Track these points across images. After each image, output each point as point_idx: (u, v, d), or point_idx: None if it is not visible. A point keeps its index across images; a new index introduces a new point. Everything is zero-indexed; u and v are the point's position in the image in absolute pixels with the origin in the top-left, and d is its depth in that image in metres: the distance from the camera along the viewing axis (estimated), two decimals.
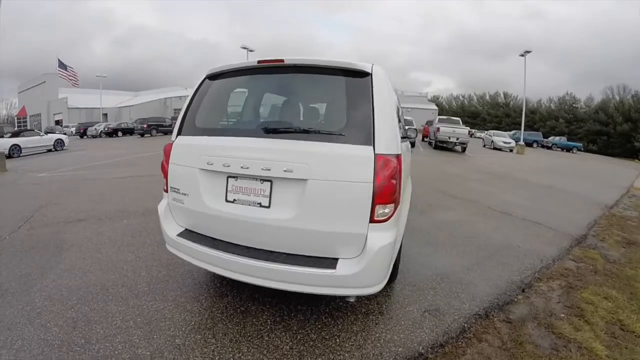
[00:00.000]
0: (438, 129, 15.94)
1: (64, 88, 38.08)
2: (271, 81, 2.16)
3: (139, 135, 24.04)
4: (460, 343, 1.96)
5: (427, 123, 22.40)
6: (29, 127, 27.75)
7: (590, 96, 46.38)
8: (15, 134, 14.67)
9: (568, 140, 31.42)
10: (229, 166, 1.86)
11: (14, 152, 13.30)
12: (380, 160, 1.66)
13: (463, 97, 66.22)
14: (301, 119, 2.16)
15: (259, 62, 1.98)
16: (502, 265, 3.05)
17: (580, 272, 3.03)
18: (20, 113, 42.74)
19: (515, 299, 2.49)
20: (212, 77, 2.22)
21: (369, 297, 2.32)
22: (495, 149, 20.84)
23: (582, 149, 30.88)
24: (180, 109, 2.37)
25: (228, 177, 1.89)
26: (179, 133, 2.20)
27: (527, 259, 3.23)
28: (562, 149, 28.54)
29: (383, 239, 1.68)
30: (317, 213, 1.70)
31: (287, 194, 1.76)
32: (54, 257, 2.98)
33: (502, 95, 58.28)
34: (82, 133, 26.98)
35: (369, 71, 1.82)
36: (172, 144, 2.17)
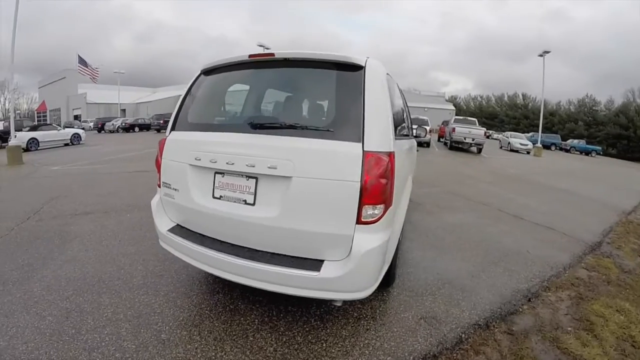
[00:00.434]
0: (454, 129, 15.60)
1: (83, 84, 39.16)
2: (262, 76, 2.10)
3: (155, 131, 24.53)
4: (455, 355, 1.84)
5: (443, 123, 22.02)
6: (48, 122, 28.63)
7: (611, 99, 44.79)
8: (33, 128, 15.19)
9: (587, 143, 30.43)
10: (215, 162, 1.82)
11: (32, 145, 13.76)
12: (370, 158, 1.57)
13: (481, 97, 64.98)
14: (290, 114, 2.09)
15: (250, 56, 1.92)
16: (509, 272, 2.90)
17: (592, 282, 2.84)
18: (40, 108, 44.26)
19: (520, 309, 2.34)
20: (207, 72, 2.18)
21: (362, 301, 2.23)
22: (512, 150, 20.28)
23: (601, 153, 29.80)
24: None
25: (215, 173, 1.86)
26: (172, 128, 2.19)
27: (537, 266, 3.06)
28: (581, 152, 27.67)
29: (371, 241, 1.59)
30: (302, 212, 1.63)
31: (272, 191, 1.70)
32: (57, 248, 3.06)
33: (520, 96, 56.90)
34: (99, 128, 27.73)
35: (362, 64, 1.73)
36: (165, 139, 2.15)
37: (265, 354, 1.76)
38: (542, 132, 22.66)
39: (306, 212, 1.63)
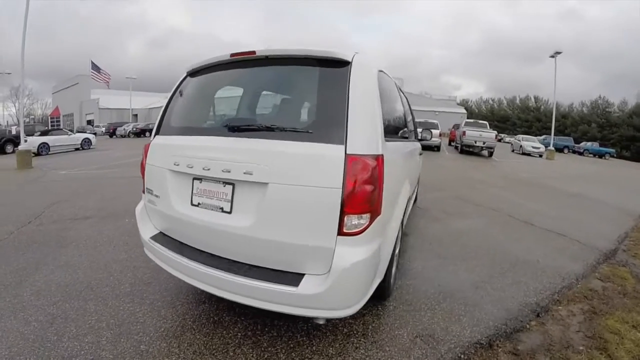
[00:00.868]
0: (464, 132, 15.39)
1: (96, 89, 40.01)
2: (243, 75, 1.98)
3: None
4: None
5: (453, 127, 21.86)
6: (62, 127, 29.26)
7: (624, 100, 43.88)
8: (44, 133, 15.59)
9: (600, 145, 29.70)
10: (192, 167, 1.74)
11: (42, 150, 14.08)
12: (353, 162, 1.43)
13: (493, 100, 64.54)
14: (270, 115, 2.00)
15: (231, 55, 1.82)
16: (516, 283, 2.69)
17: (606, 294, 2.62)
18: (53, 113, 45.32)
19: (528, 326, 2.14)
20: (192, 73, 2.10)
21: (353, 316, 2.07)
22: (524, 154, 19.95)
23: (615, 155, 29.21)
24: None
25: (193, 179, 1.78)
26: (156, 132, 2.12)
27: (547, 276, 2.85)
28: (594, 155, 26.99)
29: (354, 255, 1.44)
30: (279, 221, 1.51)
31: (249, 199, 1.59)
32: (52, 253, 3.04)
33: (532, 99, 56.30)
34: (111, 133, 28.29)
35: (349, 60, 1.60)
36: (149, 143, 2.09)
37: None
38: (555, 134, 22.26)
39: (283, 222, 1.50)
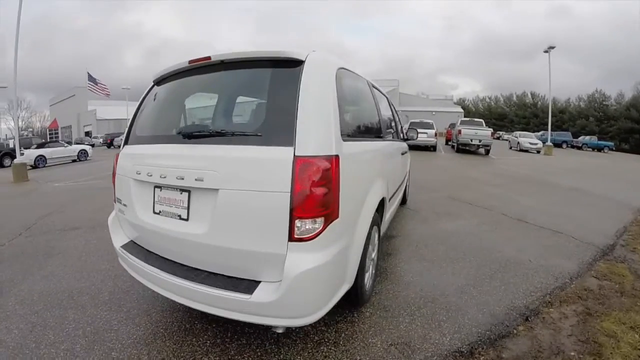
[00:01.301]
0: (460, 131, 15.28)
1: (93, 100, 40.17)
2: (201, 81, 1.96)
3: None
4: None
5: (450, 126, 21.84)
6: (60, 139, 29.36)
7: (621, 93, 43.60)
8: (40, 145, 15.76)
9: (599, 139, 29.64)
10: (151, 175, 1.74)
11: (39, 162, 14.17)
12: (301, 164, 1.38)
13: (489, 98, 64.59)
14: (224, 120, 1.98)
15: (189, 62, 1.83)
16: (505, 285, 2.57)
17: (602, 294, 2.47)
18: (51, 125, 45.59)
19: (515, 331, 2.02)
20: (158, 82, 2.11)
21: (327, 323, 2.02)
22: (521, 150, 19.82)
23: (614, 149, 29.08)
24: None
25: (154, 187, 1.77)
26: (125, 142, 2.14)
27: (539, 276, 2.72)
28: (593, 149, 26.91)
29: (308, 261, 1.39)
30: (231, 228, 1.48)
31: (203, 205, 1.57)
32: (38, 264, 3.06)
33: (529, 95, 56.29)
34: (109, 143, 28.40)
35: (302, 59, 1.56)
36: (118, 153, 2.11)
37: None
38: (553, 130, 22.17)
39: (235, 228, 1.47)
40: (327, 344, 1.86)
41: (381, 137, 2.54)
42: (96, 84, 30.49)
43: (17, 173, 9.61)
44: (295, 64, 1.57)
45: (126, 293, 2.43)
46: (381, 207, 2.40)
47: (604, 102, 44.56)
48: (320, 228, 1.42)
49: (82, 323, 2.08)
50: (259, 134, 1.53)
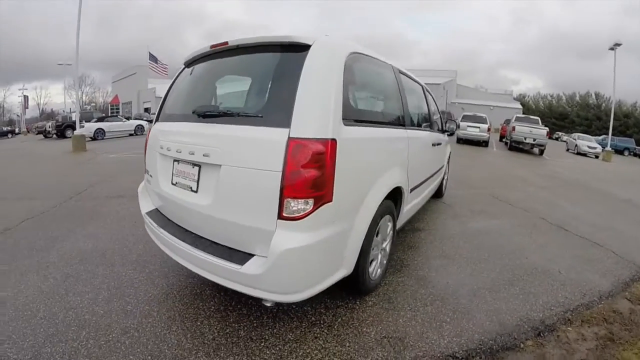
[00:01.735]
0: (513, 127, 14.17)
1: (153, 79, 42.66)
2: (220, 64, 2.06)
3: None
4: None
5: (505, 122, 20.43)
6: (121, 114, 31.87)
7: None
8: (100, 119, 17.21)
9: None
10: (170, 150, 1.91)
11: (98, 135, 15.55)
12: (294, 146, 1.41)
13: (551, 96, 58.91)
14: (234, 101, 2.07)
15: (211, 47, 1.95)
16: (524, 294, 2.37)
17: (632, 319, 2.19)
18: (113, 101, 49.37)
19: (522, 345, 1.86)
20: (187, 64, 2.26)
21: (327, 306, 2.05)
22: (578, 153, 18.10)
23: None
24: None
25: (173, 160, 1.93)
26: (156, 119, 2.34)
27: (565, 290, 2.47)
28: None
29: (294, 240, 1.43)
30: (229, 202, 1.58)
31: (209, 179, 1.69)
32: (82, 225, 3.44)
33: (593, 96, 50.63)
34: None
35: (309, 44, 1.57)
36: (150, 129, 2.34)
37: (203, 340, 1.74)
38: (615, 135, 19.98)
39: (233, 202, 1.57)
40: (322, 325, 1.89)
41: (403, 126, 2.43)
42: (157, 63, 32.36)
43: (76, 144, 10.68)
44: (302, 48, 1.59)
45: (152, 256, 2.66)
46: (397, 197, 2.35)
47: None
48: (310, 209, 1.44)
49: (108, 278, 2.32)
50: (260, 115, 1.60)
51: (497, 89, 51.17)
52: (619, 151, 22.88)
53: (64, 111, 36.20)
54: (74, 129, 13.98)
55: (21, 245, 2.88)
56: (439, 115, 4.12)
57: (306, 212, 1.43)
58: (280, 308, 2.01)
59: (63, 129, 17.86)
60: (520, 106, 42.41)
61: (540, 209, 4.83)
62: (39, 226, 3.39)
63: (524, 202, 5.23)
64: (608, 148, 17.81)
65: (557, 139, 32.41)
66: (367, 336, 1.82)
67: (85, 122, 15.95)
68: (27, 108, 45.70)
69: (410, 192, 2.62)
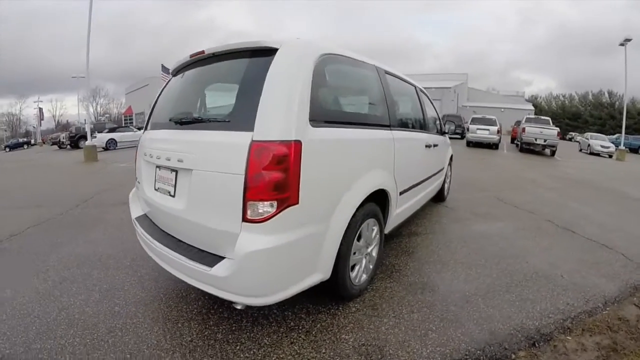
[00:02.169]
0: (524, 129, 13.91)
1: None
2: (200, 73, 2.13)
3: None
4: None
5: (515, 124, 20.20)
6: (134, 124, 32.68)
7: None
8: (111, 130, 17.72)
9: None
10: (152, 157, 2.00)
11: (110, 145, 16.00)
12: (256, 149, 1.42)
13: (564, 96, 57.82)
14: (206, 108, 2.13)
15: (190, 56, 2.03)
16: (521, 301, 2.23)
17: (639, 327, 2.03)
18: (126, 112, 50.60)
19: (513, 356, 1.73)
20: (174, 73, 2.36)
21: (308, 311, 2.02)
22: (592, 153, 17.65)
23: None
24: None
25: (156, 167, 2.01)
26: (145, 128, 2.46)
27: (566, 296, 2.32)
28: None
29: (257, 242, 1.42)
30: (200, 205, 1.63)
31: (184, 184, 1.74)
32: (85, 231, 3.56)
33: (606, 94, 49.43)
34: None
35: (277, 47, 1.59)
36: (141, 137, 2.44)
37: (181, 341, 1.75)
38: (630, 133, 19.38)
39: (204, 206, 1.61)
40: (300, 331, 1.85)
41: (389, 127, 2.38)
42: (168, 74, 33.16)
43: (87, 154, 11.03)
44: (271, 52, 1.60)
45: (145, 260, 2.68)
46: (385, 200, 2.31)
47: None
48: (274, 211, 1.44)
49: (101, 281, 2.40)
50: (228, 120, 1.68)
51: (508, 91, 50.61)
52: (633, 150, 22.43)
53: (79, 122, 37.40)
54: (87, 139, 14.38)
55: (24, 250, 3.00)
56: (436, 117, 4.05)
57: (270, 214, 1.43)
58: (261, 312, 1.99)
59: (76, 139, 18.46)
60: (532, 107, 41.72)
61: (547, 211, 4.65)
62: (44, 232, 3.52)
63: (530, 204, 5.06)
64: (621, 147, 17.23)
65: (570, 139, 31.53)
66: (345, 343, 1.77)
67: (98, 132, 16.43)
68: (43, 120, 47.61)
69: (400, 194, 2.56)
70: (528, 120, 15.24)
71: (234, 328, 1.86)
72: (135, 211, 2.34)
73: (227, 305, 2.05)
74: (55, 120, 62.27)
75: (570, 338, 1.89)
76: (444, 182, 4.62)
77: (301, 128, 1.53)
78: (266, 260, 1.46)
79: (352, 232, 1.87)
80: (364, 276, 2.20)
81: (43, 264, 2.68)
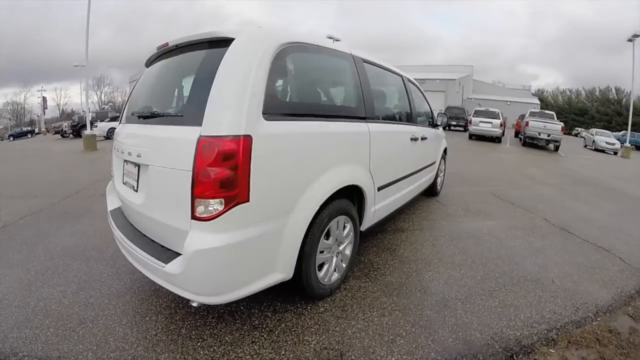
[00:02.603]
0: (527, 123, 13.70)
1: None
2: (166, 65, 2.08)
3: None
4: None
5: (519, 118, 19.92)
6: None
7: None
8: (113, 119, 17.67)
9: None
10: (119, 151, 2.00)
11: (111, 134, 15.91)
12: (203, 144, 1.37)
13: (570, 91, 56.85)
14: (165, 102, 2.08)
15: (157, 48, 2.01)
16: (503, 307, 2.10)
17: (632, 341, 1.88)
18: None
19: None
20: (146, 65, 2.31)
21: (275, 310, 1.98)
22: (596, 150, 17.42)
23: None
24: None
25: (124, 161, 1.99)
26: (119, 121, 2.46)
27: (554, 303, 2.18)
28: None
29: (205, 241, 1.39)
30: (156, 200, 1.62)
31: (144, 179, 1.73)
32: (71, 221, 3.59)
33: (613, 90, 48.66)
34: None
35: (232, 37, 1.52)
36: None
37: (146, 335, 1.77)
38: (636, 131, 19.05)
39: (159, 202, 1.61)
40: (263, 330, 1.82)
41: (364, 119, 2.25)
42: None
43: (87, 143, 11.07)
44: (226, 43, 1.53)
45: None
46: (356, 196, 2.23)
47: None
48: (222, 209, 1.39)
49: (80, 272, 2.43)
50: (181, 114, 1.67)
51: (515, 85, 49.83)
52: (639, 147, 22.07)
53: (83, 111, 37.50)
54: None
55: (14, 241, 3.04)
56: (427, 109, 3.92)
57: (218, 212, 1.39)
58: (227, 308, 1.97)
59: (79, 128, 18.56)
60: (538, 101, 41.12)
61: (544, 209, 4.51)
62: (35, 223, 3.55)
63: (527, 201, 4.91)
64: (627, 144, 16.93)
65: (576, 135, 31.13)
66: (307, 345, 1.72)
67: (100, 121, 16.42)
68: (47, 109, 47.90)
69: (379, 190, 2.45)
70: (532, 114, 14.99)
71: (199, 324, 1.85)
72: (112, 204, 2.32)
73: None
74: (59, 109, 62.71)
75: (553, 351, 1.76)
76: (437, 176, 4.49)
77: (252, 122, 1.45)
78: (215, 258, 1.42)
79: (317, 230, 1.81)
80: (336, 275, 2.13)
81: (30, 255, 2.71)
